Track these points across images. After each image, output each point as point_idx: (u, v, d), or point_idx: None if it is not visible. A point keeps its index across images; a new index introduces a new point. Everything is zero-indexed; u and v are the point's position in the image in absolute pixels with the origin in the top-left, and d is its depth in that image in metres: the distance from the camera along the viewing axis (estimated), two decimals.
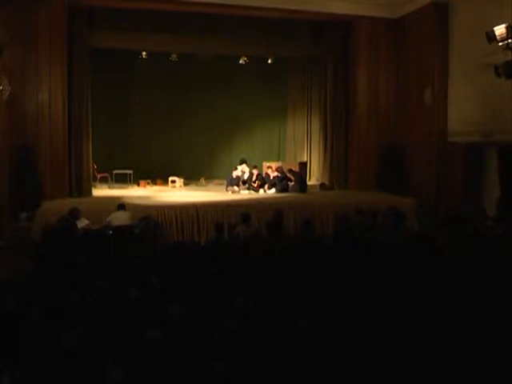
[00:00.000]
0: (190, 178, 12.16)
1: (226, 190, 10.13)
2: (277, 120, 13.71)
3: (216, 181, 12.19)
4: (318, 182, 11.59)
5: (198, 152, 13.18)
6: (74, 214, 6.36)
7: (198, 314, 2.80)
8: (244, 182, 10.51)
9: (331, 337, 2.62)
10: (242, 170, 10.88)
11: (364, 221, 6.26)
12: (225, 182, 10.52)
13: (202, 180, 12.02)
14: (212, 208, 7.99)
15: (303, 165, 11.64)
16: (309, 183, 11.38)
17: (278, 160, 12.68)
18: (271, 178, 10.14)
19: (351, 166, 10.94)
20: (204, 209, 7.94)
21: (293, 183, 10.01)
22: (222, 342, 2.50)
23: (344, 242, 5.17)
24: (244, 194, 9.90)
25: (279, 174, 10.09)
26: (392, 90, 10.45)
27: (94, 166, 10.28)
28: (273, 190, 10.03)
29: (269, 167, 10.35)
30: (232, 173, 10.45)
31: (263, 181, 10.18)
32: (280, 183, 9.99)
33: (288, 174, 10.07)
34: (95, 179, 10.54)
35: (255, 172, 10.40)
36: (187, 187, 11.46)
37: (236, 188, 10.16)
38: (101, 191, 10.00)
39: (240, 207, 7.92)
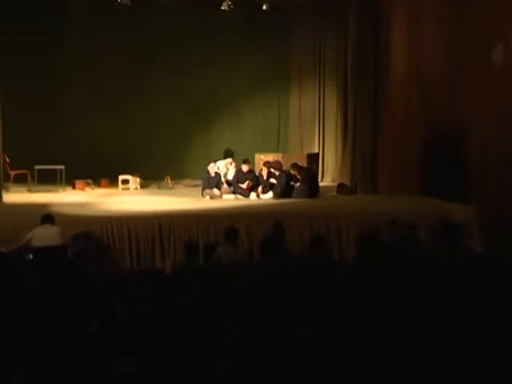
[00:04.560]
0: (150, 177, 12.24)
1: (203, 194, 10.26)
2: (275, 94, 13.76)
3: (188, 181, 12.32)
4: (335, 183, 11.71)
5: (161, 140, 13.26)
6: None
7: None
8: (229, 183, 10.54)
9: None
10: (225, 166, 10.99)
11: (401, 238, 6.35)
12: (200, 182, 10.65)
13: (168, 180, 12.07)
14: (182, 220, 8.08)
15: (313, 158, 11.73)
16: (321, 184, 11.46)
17: (276, 151, 12.77)
18: (267, 176, 10.29)
19: (382, 160, 11.13)
20: (170, 221, 8.02)
21: (298, 184, 10.11)
22: None
23: (371, 269, 5.18)
24: (228, 199, 10.03)
25: (278, 172, 10.20)
26: (443, 49, 9.91)
27: (5, 160, 10.28)
28: (269, 194, 10.15)
29: (265, 162, 10.52)
30: (210, 169, 10.49)
31: (256, 181, 10.30)
32: (280, 184, 10.10)
33: (291, 171, 10.17)
34: (7, 178, 10.56)
35: (245, 169, 10.47)
36: (146, 190, 11.61)
37: (216, 191, 10.22)
38: (16, 196, 10.06)
39: (222, 219, 8.00)
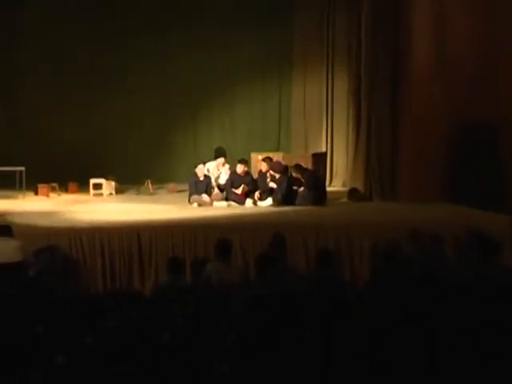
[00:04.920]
0: (127, 181, 12.35)
1: (190, 201, 10.35)
2: (275, 83, 13.87)
3: (172, 185, 12.38)
4: (346, 188, 11.72)
5: (140, 137, 13.38)
6: None
7: None
8: (220, 188, 10.59)
9: None
10: (216, 168, 11.03)
11: (424, 253, 6.27)
12: (187, 187, 10.75)
13: (148, 184, 12.13)
14: (165, 232, 8.13)
15: (320, 158, 11.76)
16: (329, 189, 11.49)
17: (276, 150, 12.78)
18: (265, 180, 10.36)
19: (402, 162, 11.09)
20: (151, 234, 8.07)
21: (302, 189, 10.17)
22: None
23: (387, 291, 5.17)
24: (220, 207, 10.13)
25: (279, 174, 10.26)
26: (473, 34, 9.74)
27: None
28: (268, 201, 10.22)
29: (265, 158, 10.56)
30: (199, 172, 10.54)
31: (253, 185, 10.40)
32: (281, 189, 10.15)
33: (294, 174, 10.25)
34: None
35: (240, 170, 10.53)
36: (122, 196, 11.69)
37: (206, 198, 10.29)
38: None
39: (213, 231, 8.03)
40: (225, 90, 13.74)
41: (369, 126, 11.29)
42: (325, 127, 13.28)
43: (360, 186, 11.32)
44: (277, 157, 11.10)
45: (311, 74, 13.54)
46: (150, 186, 12.05)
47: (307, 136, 13.61)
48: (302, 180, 10.15)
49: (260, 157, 11.04)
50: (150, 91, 13.33)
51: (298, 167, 10.28)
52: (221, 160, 11.19)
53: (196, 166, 10.60)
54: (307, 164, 10.78)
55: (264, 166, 10.43)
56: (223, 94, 13.77)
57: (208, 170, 10.83)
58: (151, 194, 11.80)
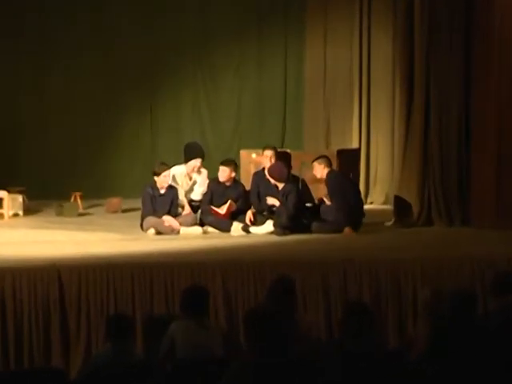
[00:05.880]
0: (43, 195, 12.59)
1: (142, 226, 10.47)
2: (280, 43, 14.14)
3: (114, 201, 12.45)
4: (390, 206, 11.86)
5: (63, 130, 13.71)
6: None
7: None
8: (194, 206, 10.64)
9: None
10: (187, 175, 11.03)
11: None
12: (138, 204, 10.90)
13: (76, 199, 12.25)
14: (102, 275, 8.24)
15: (349, 158, 11.84)
16: (367, 206, 11.64)
17: (280, 146, 13.02)
18: (269, 186, 10.53)
19: (477, 170, 11.13)
20: (79, 277, 8.17)
21: (324, 205, 10.42)
22: None
23: (458, 367, 5.34)
24: (192, 235, 10.30)
25: (283, 184, 10.45)
26: None
27: None
28: (267, 227, 10.30)
29: (269, 148, 10.75)
30: (158, 181, 10.43)
31: (244, 201, 10.63)
32: (287, 207, 10.31)
33: (315, 172, 10.52)
34: None
35: (224, 177, 10.52)
36: (35, 218, 11.77)
37: (169, 221, 10.31)
38: None
39: (179, 273, 8.24)
40: (202, 55, 14.18)
41: (426, 112, 11.25)
42: (357, 112, 13.35)
43: (413, 203, 11.19)
44: (277, 158, 10.92)
45: (335, 26, 13.65)
46: (78, 202, 12.12)
47: (329, 124, 13.68)
48: (326, 194, 10.30)
49: (254, 155, 11.17)
50: (93, 63, 13.99)
51: (322, 160, 10.39)
52: (194, 163, 11.00)
53: (154, 172, 10.48)
54: (332, 165, 10.75)
55: (265, 159, 10.53)
56: (200, 59, 14.17)
57: (174, 178, 10.75)
58: (80, 215, 11.77)
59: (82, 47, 14.07)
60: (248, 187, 10.72)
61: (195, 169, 10.97)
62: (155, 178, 10.41)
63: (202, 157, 11.07)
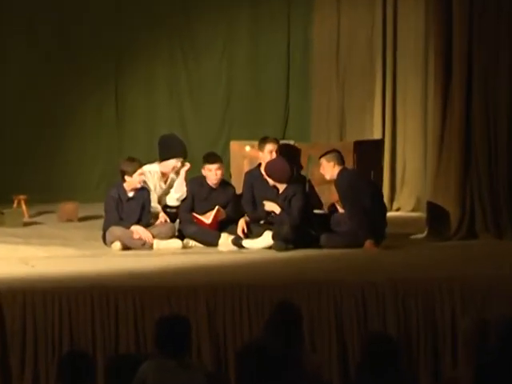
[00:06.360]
0: None
1: (105, 239, 10.62)
2: (282, 7, 14.40)
3: (69, 206, 12.54)
4: (422, 214, 11.95)
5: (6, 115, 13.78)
6: None
7: None
8: (170, 214, 10.65)
9: None
10: (162, 176, 11.11)
11: None
12: (100, 211, 10.91)
13: (20, 204, 12.32)
14: (53, 301, 8.24)
15: (370, 153, 11.92)
16: (392, 214, 11.78)
17: (281, 136, 13.18)
18: (269, 190, 10.74)
19: None
20: (25, 304, 8.21)
21: (337, 214, 10.53)
22: None
23: None
24: (169, 250, 10.48)
25: (282, 185, 10.65)
26: None
27: None
28: (265, 240, 10.38)
29: (272, 140, 10.85)
30: (127, 182, 10.46)
31: (235, 208, 10.86)
32: (292, 215, 10.48)
33: (323, 171, 10.66)
34: None
35: (215, 180, 10.57)
36: None
37: (140, 232, 10.33)
38: None
39: (152, 300, 8.34)
40: (181, 23, 14.42)
41: (468, 96, 11.24)
42: (379, 94, 13.44)
43: (452, 211, 11.23)
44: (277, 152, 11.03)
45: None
46: (23, 208, 12.22)
47: (343, 109, 13.81)
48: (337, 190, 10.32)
49: (248, 148, 11.22)
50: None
51: (332, 156, 10.36)
52: (173, 163, 11.05)
53: (124, 172, 10.48)
54: (348, 162, 10.86)
55: (267, 153, 10.55)
56: (178, 28, 14.42)
57: (147, 179, 10.77)
58: (25, 225, 11.79)
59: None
60: (239, 189, 10.70)
61: (174, 167, 11.00)
62: (126, 178, 10.37)
63: (184, 155, 11.11)
